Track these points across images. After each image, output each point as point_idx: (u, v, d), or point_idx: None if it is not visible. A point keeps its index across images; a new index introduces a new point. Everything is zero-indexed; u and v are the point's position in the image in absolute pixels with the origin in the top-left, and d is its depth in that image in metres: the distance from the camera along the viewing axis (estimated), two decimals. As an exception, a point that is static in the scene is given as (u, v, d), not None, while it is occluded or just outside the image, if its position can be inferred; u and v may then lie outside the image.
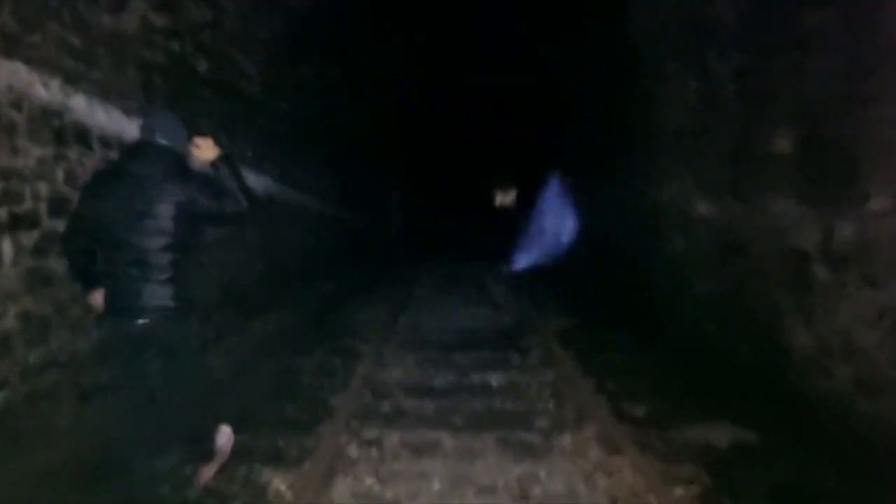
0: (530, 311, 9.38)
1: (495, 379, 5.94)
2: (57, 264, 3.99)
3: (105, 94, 4.76)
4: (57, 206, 4.06)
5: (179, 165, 3.35)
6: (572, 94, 13.96)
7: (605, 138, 11.71)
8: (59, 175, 4.17)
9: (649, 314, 8.18)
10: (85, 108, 4.51)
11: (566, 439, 4.47)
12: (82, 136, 4.45)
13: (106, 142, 4.76)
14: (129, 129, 5.18)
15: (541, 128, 18.75)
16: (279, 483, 3.85)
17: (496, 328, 8.42)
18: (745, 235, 6.34)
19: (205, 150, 3.39)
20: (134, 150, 3.40)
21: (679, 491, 3.70)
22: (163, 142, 3.35)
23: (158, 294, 3.24)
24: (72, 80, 4.33)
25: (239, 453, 4.12)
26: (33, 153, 3.90)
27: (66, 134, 4.25)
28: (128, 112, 5.07)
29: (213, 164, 3.39)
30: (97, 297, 3.41)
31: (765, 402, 4.88)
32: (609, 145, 11.48)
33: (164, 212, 3.21)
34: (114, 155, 4.47)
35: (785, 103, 5.45)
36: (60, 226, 3.89)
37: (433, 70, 17.19)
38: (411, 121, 21.23)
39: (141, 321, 3.25)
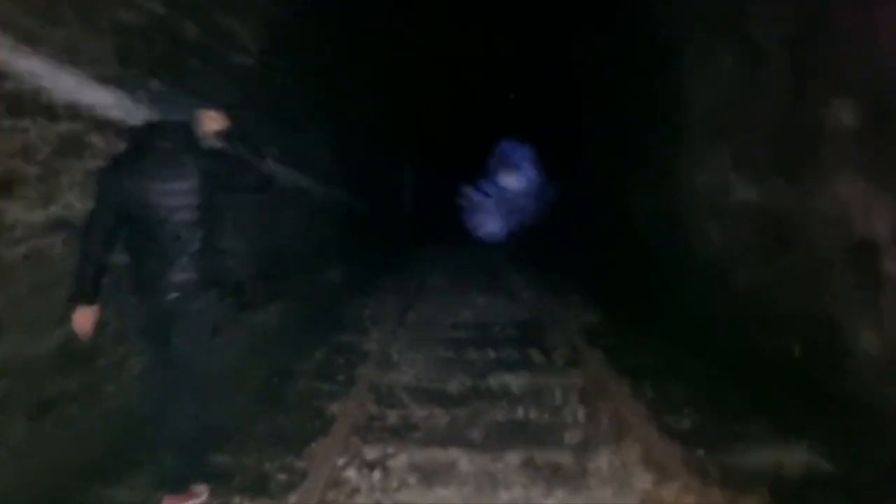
0: (551, 303, 8.72)
1: (516, 382, 5.29)
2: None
3: (72, 58, 4.14)
4: (7, 186, 3.47)
5: (196, 141, 3.43)
6: (588, 73, 13.25)
7: (627, 121, 11.01)
8: (13, 149, 3.57)
9: (681, 310, 7.51)
10: (45, 74, 3.89)
11: (603, 460, 3.82)
12: (42, 104, 3.83)
13: (74, 112, 4.15)
14: (103, 98, 4.59)
15: (555, 113, 18.07)
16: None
17: (515, 322, 7.76)
18: (796, 224, 5.67)
19: (212, 122, 3.46)
20: (152, 128, 3.41)
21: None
22: (178, 118, 3.43)
23: (186, 268, 3.29)
24: (29, 40, 3.71)
25: (216, 477, 3.52)
26: (-27, 123, 3.31)
27: (21, 102, 3.64)
28: (102, 80, 4.46)
29: (225, 136, 3.49)
30: (88, 317, 3.24)
31: (825, 415, 4.23)
32: (630, 128, 10.78)
33: (186, 186, 3.28)
34: (80, 126, 4.12)
35: (847, 70, 4.76)
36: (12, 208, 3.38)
37: (449, 50, 16.50)
38: (423, 101, 20.55)
39: (171, 296, 3.28)
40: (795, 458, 3.75)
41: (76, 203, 3.99)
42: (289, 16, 8.91)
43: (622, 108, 11.29)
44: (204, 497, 3.40)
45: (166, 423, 3.37)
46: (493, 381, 5.32)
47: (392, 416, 4.58)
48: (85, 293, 3.21)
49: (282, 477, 3.63)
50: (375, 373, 5.41)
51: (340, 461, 3.76)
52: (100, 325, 3.36)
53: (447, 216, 25.69)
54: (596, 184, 12.95)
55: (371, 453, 3.91)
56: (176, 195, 3.26)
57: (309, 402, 4.81)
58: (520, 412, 4.65)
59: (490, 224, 25.80)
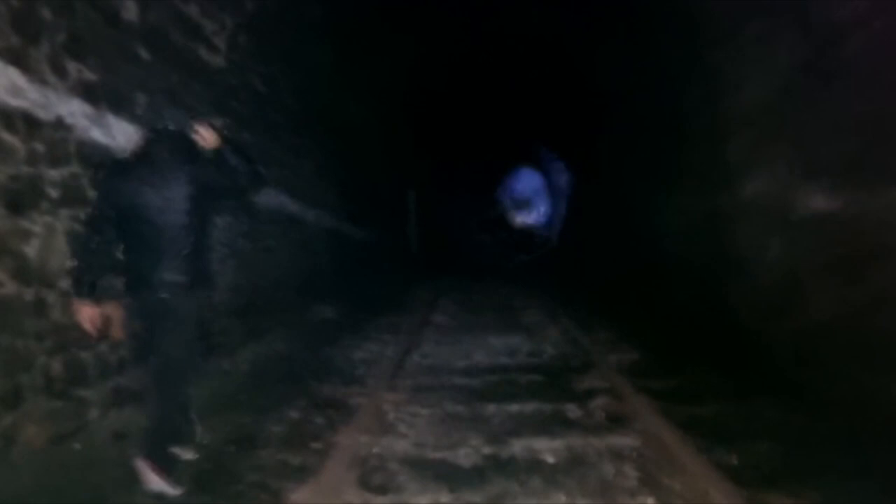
0: (577, 338, 7.39)
1: (549, 448, 3.94)
2: None
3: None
4: None
5: (190, 148, 3.59)
6: (609, 83, 12.08)
7: (654, 130, 9.81)
8: None
9: (736, 342, 6.20)
10: None
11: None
12: None
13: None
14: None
15: (571, 124, 16.89)
16: None
17: (538, 364, 6.41)
18: (887, 237, 4.50)
19: (205, 137, 3.57)
20: (151, 138, 3.63)
21: None
22: (172, 127, 3.61)
23: (177, 270, 3.49)
24: None
25: None
26: None
27: None
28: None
29: (216, 149, 3.60)
30: (91, 314, 3.52)
31: None
32: (658, 138, 9.57)
33: (181, 192, 3.50)
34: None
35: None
36: None
37: (455, 57, 15.37)
38: (430, 120, 19.41)
39: (161, 295, 3.50)
40: None
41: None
42: (271, 12, 7.77)
43: (646, 119, 10.10)
44: (177, 491, 3.44)
45: (147, 406, 3.78)
46: (519, 446, 3.98)
47: (380, 508, 3.25)
48: (85, 288, 3.46)
49: None
50: (362, 437, 4.07)
51: None
52: (104, 319, 3.66)
53: (455, 246, 24.42)
54: (620, 202, 11.70)
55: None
56: (168, 201, 3.47)
57: (264, 486, 3.47)
58: (561, 499, 3.30)
59: (502, 254, 24.53)
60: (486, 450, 3.95)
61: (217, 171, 3.62)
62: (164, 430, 3.60)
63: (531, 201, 38.30)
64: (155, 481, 3.41)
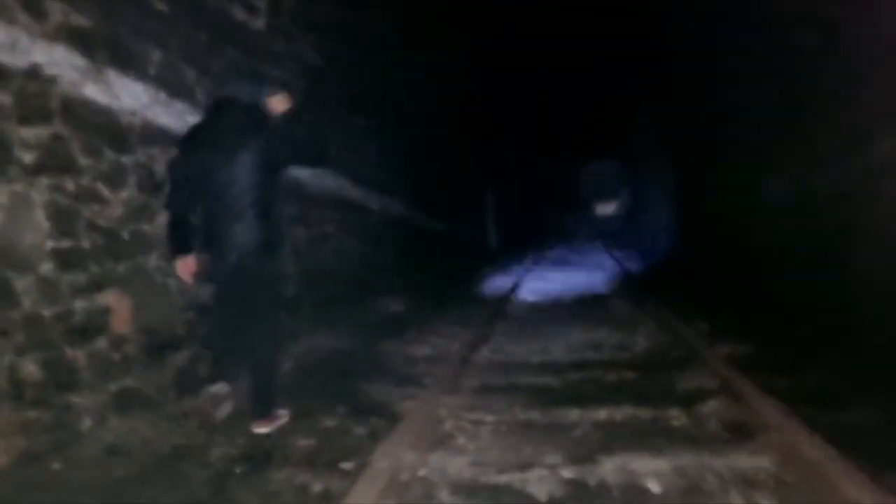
0: (674, 327, 6.30)
1: (653, 472, 2.96)
2: None
3: None
4: None
5: (262, 119, 3.77)
6: (695, 46, 10.83)
7: (751, 100, 8.57)
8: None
9: (873, 332, 5.03)
10: None
11: None
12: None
13: None
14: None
15: (645, 111, 15.69)
16: None
17: (629, 359, 5.39)
18: None
19: (278, 104, 3.82)
20: (221, 104, 3.86)
21: None
22: (243, 97, 3.78)
23: (248, 233, 3.66)
24: None
25: None
26: None
27: None
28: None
29: (286, 115, 3.83)
30: (187, 266, 3.76)
31: None
32: (758, 108, 8.34)
33: (250, 159, 3.65)
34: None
35: None
36: None
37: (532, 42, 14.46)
38: (509, 108, 18.53)
39: (233, 258, 3.68)
40: None
41: None
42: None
43: (747, 79, 8.84)
44: (286, 419, 3.86)
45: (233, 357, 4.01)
46: (611, 467, 2.99)
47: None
48: (179, 248, 3.75)
49: None
50: (408, 454, 3.18)
51: None
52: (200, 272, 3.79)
53: (534, 239, 23.38)
54: (717, 183, 10.44)
55: None
56: (238, 166, 3.63)
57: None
58: (675, 551, 2.32)
59: (585, 247, 23.34)
60: (568, 472, 2.99)
61: (284, 139, 3.78)
62: (262, 389, 3.82)
63: (611, 191, 36.94)
64: (269, 428, 3.74)
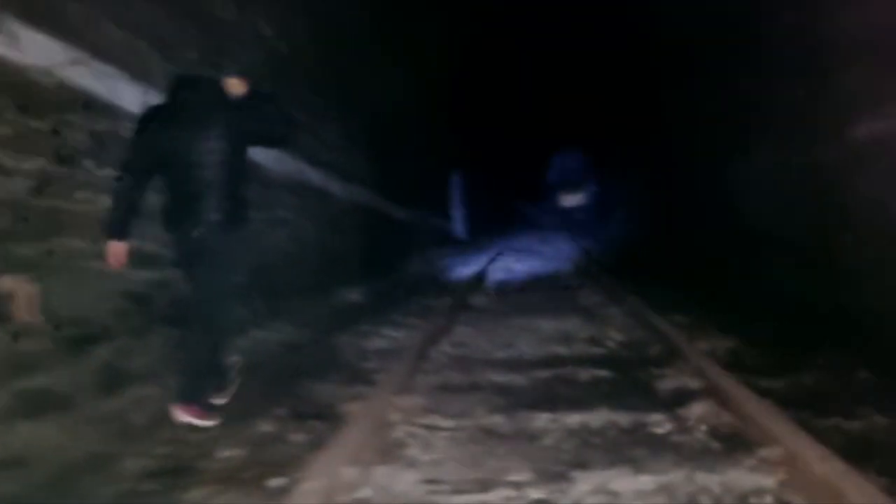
0: (649, 321, 5.87)
1: (635, 491, 2.51)
2: None
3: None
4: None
5: (227, 97, 3.74)
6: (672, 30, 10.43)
7: (723, 76, 8.18)
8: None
9: (860, 326, 4.67)
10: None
11: None
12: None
13: None
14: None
15: (614, 100, 15.33)
16: None
17: (603, 354, 4.95)
18: None
19: (237, 85, 3.76)
20: (185, 82, 3.79)
21: None
22: (210, 76, 3.82)
23: (214, 209, 3.60)
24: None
25: None
26: None
27: None
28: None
29: (249, 96, 3.79)
30: (119, 252, 3.56)
31: None
32: (733, 85, 7.95)
33: (216, 137, 3.61)
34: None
35: None
36: None
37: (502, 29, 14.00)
38: (476, 99, 18.04)
39: (197, 234, 3.62)
40: None
41: None
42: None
43: (719, 55, 8.43)
44: (212, 422, 3.54)
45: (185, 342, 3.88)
46: (588, 487, 2.52)
47: None
48: (115, 230, 3.53)
49: None
50: (347, 469, 2.68)
51: None
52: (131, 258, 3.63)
53: (501, 229, 22.98)
54: (693, 166, 10.03)
55: None
56: (205, 143, 3.58)
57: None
58: None
59: (553, 238, 22.99)
60: (536, 492, 2.51)
61: (250, 116, 3.75)
62: (196, 372, 3.68)
63: (578, 183, 36.68)
64: (187, 419, 3.51)
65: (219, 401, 3.80)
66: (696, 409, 3.37)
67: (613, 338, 5.44)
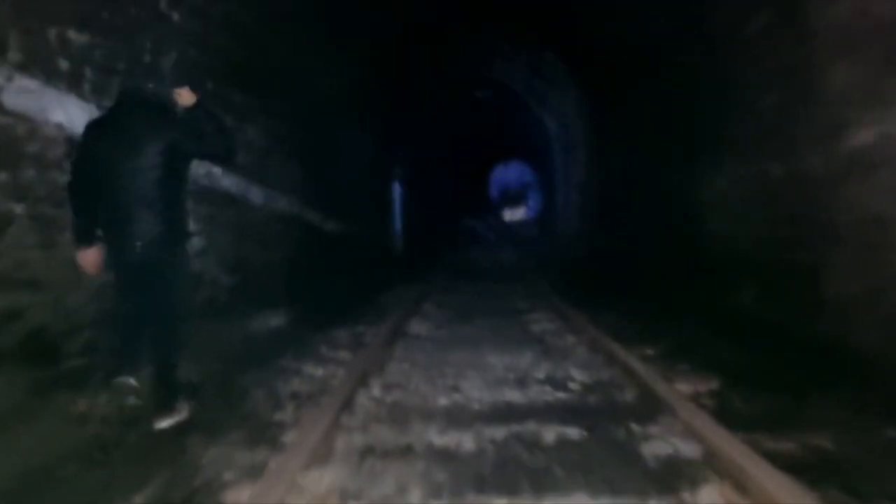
0: (612, 355, 5.05)
1: None
2: None
3: None
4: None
5: (166, 111, 3.81)
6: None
7: (690, 82, 7.51)
8: None
9: (858, 358, 3.95)
10: None
11: None
12: None
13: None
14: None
15: (560, 109, 14.68)
16: None
17: (568, 402, 4.07)
18: None
19: (184, 98, 3.82)
20: (125, 96, 3.78)
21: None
22: (148, 90, 3.76)
23: (151, 224, 3.63)
24: None
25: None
26: None
27: None
28: None
29: (191, 109, 3.83)
30: (90, 257, 3.70)
31: None
32: (698, 90, 7.28)
33: (153, 151, 3.63)
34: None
35: None
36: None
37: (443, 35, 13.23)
38: (418, 107, 17.18)
39: (135, 248, 3.63)
40: None
41: None
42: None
43: (686, 59, 7.77)
44: (185, 414, 3.76)
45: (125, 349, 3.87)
46: None
47: None
48: (83, 239, 3.68)
49: None
50: None
51: None
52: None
53: (445, 245, 22.15)
54: (647, 177, 9.34)
55: None
56: (142, 158, 3.61)
57: None
58: None
59: (499, 254, 22.26)
60: None
61: (189, 132, 3.76)
62: (164, 380, 3.79)
63: (520, 196, 36.21)
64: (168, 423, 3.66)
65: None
66: (708, 495, 2.53)
67: (576, 378, 4.57)
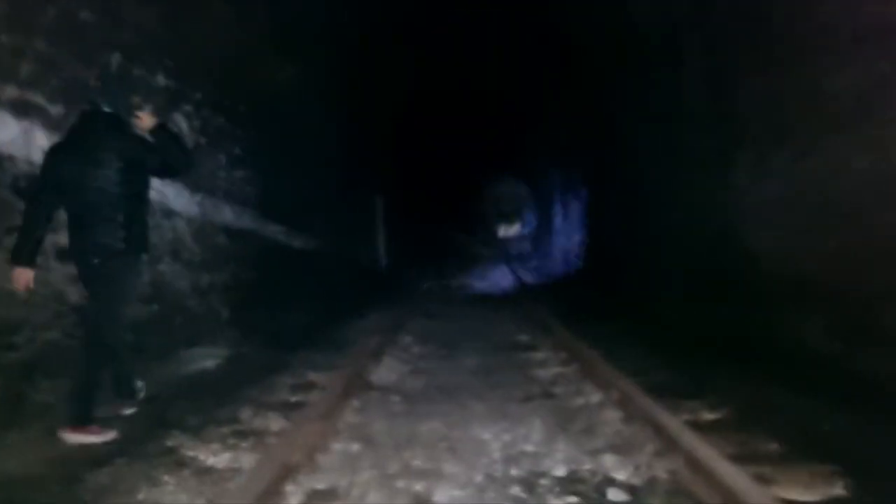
0: (662, 428, 3.46)
1: None
2: None
3: None
4: None
5: (124, 129, 3.95)
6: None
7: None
8: None
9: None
10: None
11: None
12: None
13: None
14: None
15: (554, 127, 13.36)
16: None
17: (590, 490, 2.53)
18: None
19: (144, 121, 3.99)
20: (85, 116, 3.90)
21: None
22: (108, 109, 3.91)
23: (111, 236, 3.81)
24: None
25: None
26: None
27: None
28: None
29: (153, 131, 4.00)
30: (25, 277, 3.73)
31: None
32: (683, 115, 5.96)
33: (114, 166, 3.80)
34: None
35: None
36: None
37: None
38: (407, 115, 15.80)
39: (96, 260, 3.83)
40: None
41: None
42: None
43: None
44: (111, 435, 3.75)
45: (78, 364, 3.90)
46: None
47: None
48: (23, 257, 3.72)
49: None
50: None
51: None
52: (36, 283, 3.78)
53: (434, 261, 20.59)
54: (641, 195, 7.95)
55: None
56: (101, 174, 3.77)
57: None
58: None
59: (491, 274, 20.71)
60: None
61: (148, 148, 3.97)
62: (89, 393, 3.81)
63: (515, 212, 34.75)
64: (79, 439, 3.65)
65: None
66: None
67: (618, 479, 2.96)
